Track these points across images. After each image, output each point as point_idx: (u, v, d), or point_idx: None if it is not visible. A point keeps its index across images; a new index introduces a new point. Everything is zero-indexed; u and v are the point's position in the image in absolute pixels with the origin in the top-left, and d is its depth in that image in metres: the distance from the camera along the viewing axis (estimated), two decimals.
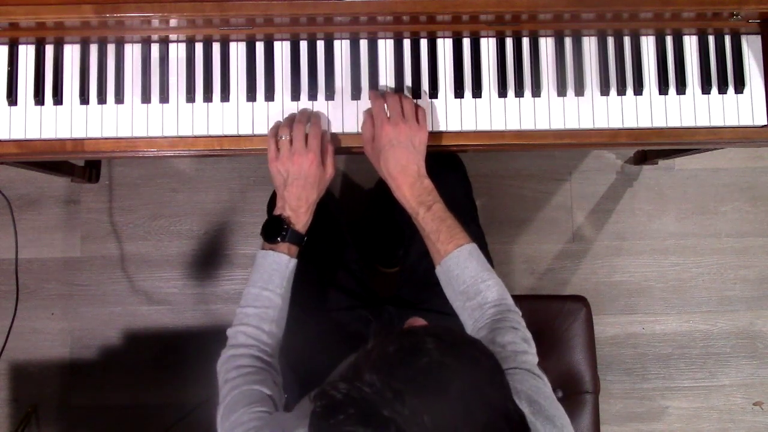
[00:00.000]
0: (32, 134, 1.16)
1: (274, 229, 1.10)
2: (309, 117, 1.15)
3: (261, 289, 1.08)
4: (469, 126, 1.18)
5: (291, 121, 1.14)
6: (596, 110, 1.19)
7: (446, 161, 1.45)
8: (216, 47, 1.18)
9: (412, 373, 0.67)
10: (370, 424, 0.64)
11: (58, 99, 1.16)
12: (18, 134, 1.16)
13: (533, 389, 0.89)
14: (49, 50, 1.17)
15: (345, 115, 1.18)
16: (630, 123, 1.19)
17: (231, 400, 0.97)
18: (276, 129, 1.14)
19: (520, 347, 0.97)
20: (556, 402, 0.90)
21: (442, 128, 1.18)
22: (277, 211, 1.12)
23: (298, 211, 1.11)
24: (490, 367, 0.70)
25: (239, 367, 1.02)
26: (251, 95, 1.17)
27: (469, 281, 1.05)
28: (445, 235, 1.07)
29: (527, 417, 0.83)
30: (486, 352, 0.72)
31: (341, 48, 1.19)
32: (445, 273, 1.08)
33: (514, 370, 0.92)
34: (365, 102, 1.18)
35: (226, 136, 1.18)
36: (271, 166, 1.12)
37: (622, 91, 1.19)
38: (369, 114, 1.15)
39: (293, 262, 1.10)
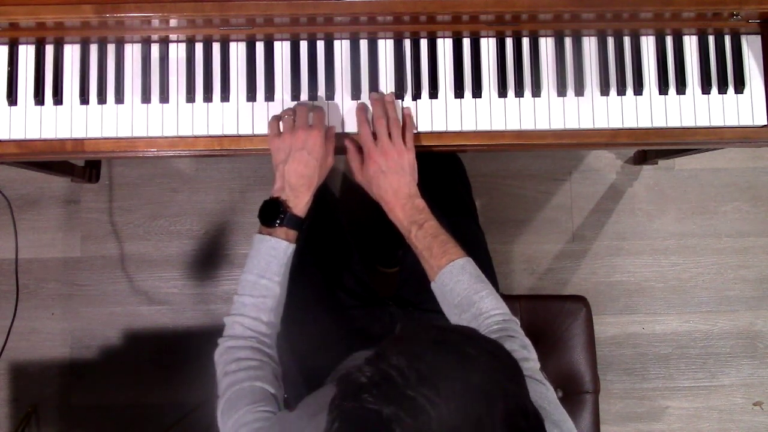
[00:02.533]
0: (32, 134, 1.16)
1: (271, 213, 1.07)
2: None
3: (258, 277, 1.06)
4: (469, 126, 1.18)
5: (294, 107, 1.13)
6: (596, 110, 1.19)
7: (446, 161, 1.46)
8: (216, 47, 1.18)
9: (438, 359, 0.67)
10: (394, 402, 0.64)
11: (58, 99, 1.16)
12: (18, 134, 1.16)
13: (538, 394, 0.89)
14: (49, 50, 1.17)
15: (345, 115, 1.18)
16: (630, 123, 1.19)
17: (232, 396, 0.96)
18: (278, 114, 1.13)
19: (519, 354, 0.96)
20: (561, 407, 0.90)
21: (442, 128, 1.18)
22: (275, 193, 1.09)
23: (298, 191, 1.08)
24: (510, 365, 0.71)
25: (239, 360, 1.01)
26: (251, 95, 1.17)
27: (463, 294, 1.04)
28: (438, 251, 1.06)
29: None
30: (506, 352, 0.73)
31: (341, 48, 1.19)
32: (440, 288, 1.07)
33: None
34: (365, 102, 1.18)
35: (226, 136, 1.18)
36: (272, 142, 1.10)
37: (622, 91, 1.19)
38: (351, 142, 1.15)
39: (291, 248, 1.08)
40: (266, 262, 1.06)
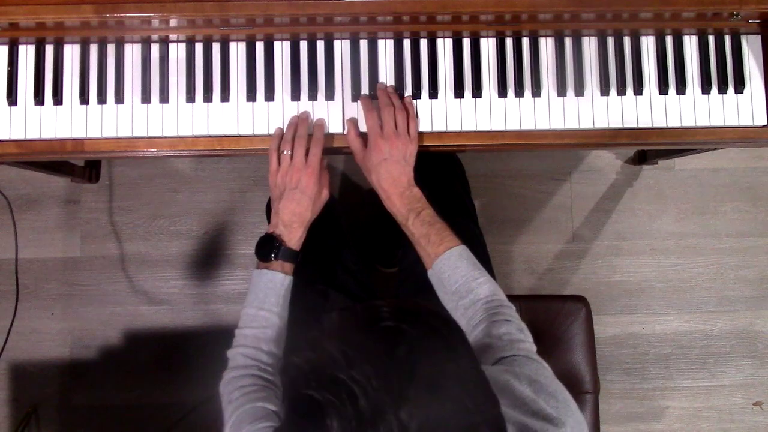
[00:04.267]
0: (32, 134, 1.16)
1: (267, 248, 1.10)
2: (310, 126, 1.15)
3: (257, 309, 1.08)
4: (469, 126, 1.18)
5: (293, 131, 1.14)
6: (596, 110, 1.19)
7: (446, 161, 1.45)
8: (216, 47, 1.18)
9: (367, 340, 0.66)
10: (327, 387, 0.63)
11: (58, 99, 1.16)
12: (18, 134, 1.16)
13: (533, 371, 0.91)
14: (49, 50, 1.17)
15: (345, 116, 1.17)
16: (630, 123, 1.19)
17: (236, 420, 0.97)
18: (278, 142, 1.14)
19: (516, 336, 0.98)
20: (557, 381, 0.91)
21: (442, 128, 1.18)
22: (270, 229, 1.13)
23: (291, 227, 1.11)
24: (463, 351, 0.69)
25: (241, 387, 1.02)
26: (251, 95, 1.17)
27: (461, 281, 1.06)
28: (435, 238, 1.08)
29: (529, 396, 0.85)
30: (456, 327, 0.70)
31: (341, 48, 1.19)
32: (437, 275, 1.08)
33: (513, 358, 0.94)
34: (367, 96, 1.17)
35: (226, 136, 1.18)
36: (271, 178, 1.13)
37: (622, 91, 1.19)
38: (352, 123, 1.16)
39: (288, 279, 1.10)
40: (264, 295, 1.09)
